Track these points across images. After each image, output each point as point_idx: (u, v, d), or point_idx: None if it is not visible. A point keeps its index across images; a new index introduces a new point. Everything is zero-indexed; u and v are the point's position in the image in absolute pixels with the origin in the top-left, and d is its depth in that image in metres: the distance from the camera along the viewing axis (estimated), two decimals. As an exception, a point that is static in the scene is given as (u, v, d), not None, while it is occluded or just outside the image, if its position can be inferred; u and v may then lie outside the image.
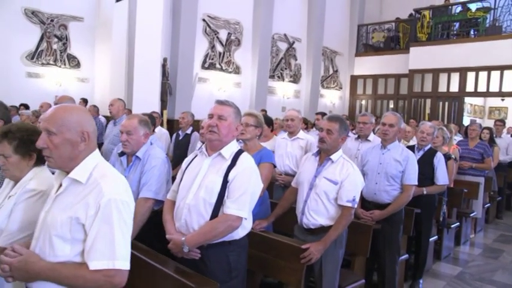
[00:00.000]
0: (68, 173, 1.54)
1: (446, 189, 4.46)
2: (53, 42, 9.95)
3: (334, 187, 2.66)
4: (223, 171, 2.16)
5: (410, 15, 13.03)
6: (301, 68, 12.49)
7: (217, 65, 10.16)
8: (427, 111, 12.07)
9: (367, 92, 14.01)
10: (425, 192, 3.94)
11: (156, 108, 8.02)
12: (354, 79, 14.21)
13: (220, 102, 2.29)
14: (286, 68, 12.03)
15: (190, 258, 2.14)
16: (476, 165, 5.82)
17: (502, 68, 10.25)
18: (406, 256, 3.89)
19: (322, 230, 2.67)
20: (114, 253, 1.43)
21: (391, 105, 13.40)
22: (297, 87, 12.45)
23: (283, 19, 11.52)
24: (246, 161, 2.21)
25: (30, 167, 1.92)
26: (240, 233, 2.20)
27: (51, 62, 9.93)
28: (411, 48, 11.94)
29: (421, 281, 4.16)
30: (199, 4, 9.41)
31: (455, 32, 11.76)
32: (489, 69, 10.44)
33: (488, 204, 6.53)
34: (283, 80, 12.01)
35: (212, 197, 2.13)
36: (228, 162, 2.18)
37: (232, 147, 2.25)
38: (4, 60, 9.02)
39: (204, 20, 9.78)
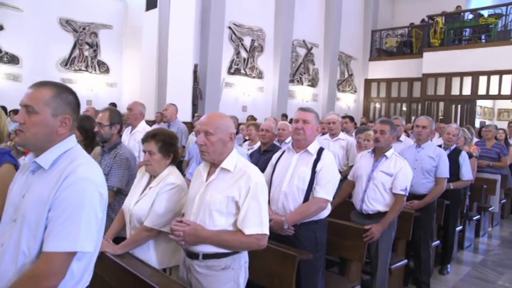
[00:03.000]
0: (215, 165, 2.05)
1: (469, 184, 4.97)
2: (85, 49, 10.53)
3: (389, 179, 3.21)
4: (311, 163, 2.69)
5: (423, 21, 13.47)
6: (319, 73, 13.01)
7: (242, 70, 10.69)
8: (440, 113, 12.53)
9: (380, 95, 14.48)
10: (452, 187, 4.43)
11: (189, 112, 8.56)
12: (368, 83, 14.70)
13: (303, 109, 2.82)
14: (304, 73, 12.56)
15: (285, 234, 2.66)
16: (493, 164, 6.30)
17: (513, 72, 10.70)
18: (437, 242, 4.41)
19: (378, 215, 3.21)
20: (262, 222, 1.94)
21: (404, 108, 13.86)
22: (315, 91, 12.96)
23: (302, 26, 12.03)
24: (328, 156, 2.75)
25: (166, 165, 2.40)
26: (326, 212, 2.74)
27: (83, 68, 10.49)
28: (425, 53, 12.38)
29: (449, 266, 4.67)
30: (226, 12, 9.91)
31: (467, 38, 12.21)
32: (501, 73, 10.89)
33: (504, 200, 7.01)
34: (302, 84, 12.52)
35: (304, 185, 2.66)
36: (314, 157, 2.71)
37: (316, 145, 2.78)
38: (42, 67, 9.57)
39: (229, 27, 10.31)
